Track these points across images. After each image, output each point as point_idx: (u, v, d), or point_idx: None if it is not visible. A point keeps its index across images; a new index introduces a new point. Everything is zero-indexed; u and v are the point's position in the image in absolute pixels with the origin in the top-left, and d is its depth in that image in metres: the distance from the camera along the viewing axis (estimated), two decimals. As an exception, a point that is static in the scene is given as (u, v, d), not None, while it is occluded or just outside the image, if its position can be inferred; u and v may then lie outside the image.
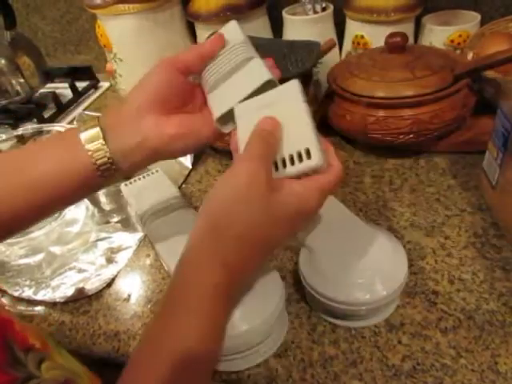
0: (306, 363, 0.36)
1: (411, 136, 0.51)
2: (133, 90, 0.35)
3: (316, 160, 0.29)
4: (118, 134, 0.33)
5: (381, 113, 0.52)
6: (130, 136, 0.33)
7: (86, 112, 0.79)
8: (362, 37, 0.65)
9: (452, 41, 0.63)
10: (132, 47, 0.72)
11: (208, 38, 0.59)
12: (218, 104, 0.35)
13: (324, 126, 0.62)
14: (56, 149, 0.34)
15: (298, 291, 0.42)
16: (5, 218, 0.33)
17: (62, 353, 0.33)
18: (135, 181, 0.56)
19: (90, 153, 0.32)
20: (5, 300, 0.47)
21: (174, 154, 0.37)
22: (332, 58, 0.67)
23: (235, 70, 0.35)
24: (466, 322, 0.37)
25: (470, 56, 0.58)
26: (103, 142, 0.32)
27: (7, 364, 0.25)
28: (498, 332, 0.36)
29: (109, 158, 0.33)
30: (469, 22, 0.63)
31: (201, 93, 0.37)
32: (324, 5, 0.68)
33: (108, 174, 0.34)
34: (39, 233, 0.55)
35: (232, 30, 0.37)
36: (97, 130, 0.33)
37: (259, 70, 0.34)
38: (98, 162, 0.32)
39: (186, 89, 0.36)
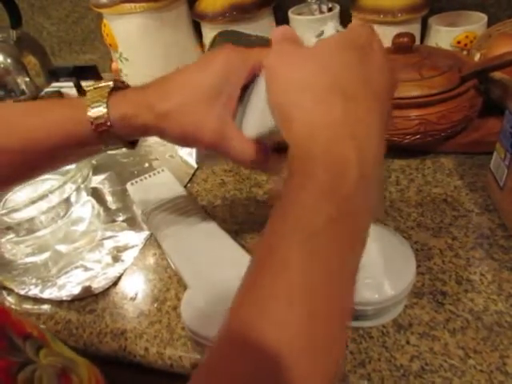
0: (314, 363, 0.36)
1: (418, 137, 0.51)
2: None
3: None
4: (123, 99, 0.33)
5: (388, 113, 0.51)
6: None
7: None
8: (368, 37, 0.65)
9: (458, 42, 0.63)
10: (138, 46, 0.72)
11: (215, 36, 0.59)
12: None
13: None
14: (61, 107, 0.34)
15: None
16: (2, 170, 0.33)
17: (58, 343, 0.33)
18: (141, 180, 0.56)
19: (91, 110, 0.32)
20: (11, 298, 0.48)
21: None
22: (338, 58, 0.67)
23: None
24: (474, 322, 0.37)
25: (477, 57, 0.58)
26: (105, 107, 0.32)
27: (5, 350, 0.26)
28: (507, 333, 0.36)
29: (106, 121, 0.32)
30: (475, 22, 0.63)
31: None
32: (330, 5, 0.68)
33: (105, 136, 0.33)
34: (45, 231, 0.55)
35: None
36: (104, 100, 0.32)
37: None
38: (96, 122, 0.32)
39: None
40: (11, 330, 0.27)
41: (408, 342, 0.36)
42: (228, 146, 0.32)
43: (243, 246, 0.46)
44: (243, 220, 0.51)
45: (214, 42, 0.59)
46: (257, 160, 0.33)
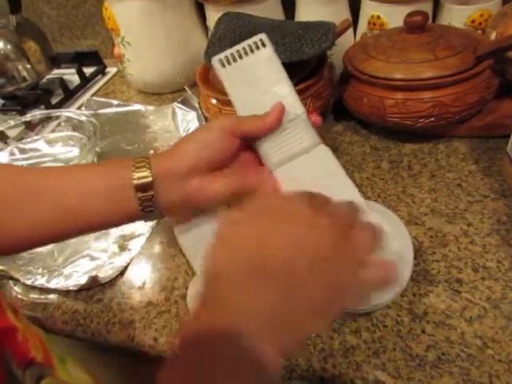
0: (327, 352, 0.35)
1: (432, 119, 0.49)
2: (189, 144, 0.36)
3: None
4: (168, 187, 0.35)
5: (400, 95, 0.50)
6: (178, 192, 0.35)
7: (94, 98, 0.78)
8: (379, 17, 0.63)
9: (473, 21, 0.60)
10: (140, 29, 0.70)
11: (219, 18, 0.57)
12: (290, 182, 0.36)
13: (339, 109, 0.60)
14: (106, 185, 0.34)
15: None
16: (41, 238, 0.34)
17: (68, 365, 0.32)
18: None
19: (139, 201, 0.34)
20: (18, 288, 0.47)
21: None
22: (346, 40, 0.64)
23: (301, 153, 0.37)
24: (492, 311, 0.36)
25: (493, 36, 0.55)
26: (153, 193, 0.34)
27: None
28: (526, 321, 0.35)
29: (155, 208, 0.35)
30: (490, 0, 0.60)
31: (245, 152, 0.38)
32: (339, -16, 0.65)
33: (148, 216, 0.36)
34: (50, 220, 0.54)
35: (269, 59, 0.39)
36: (150, 179, 0.34)
37: (327, 158, 0.37)
38: (146, 209, 0.35)
39: (236, 151, 0.37)
40: (12, 359, 0.25)
41: (423, 331, 0.35)
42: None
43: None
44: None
45: (219, 24, 0.57)
46: None
